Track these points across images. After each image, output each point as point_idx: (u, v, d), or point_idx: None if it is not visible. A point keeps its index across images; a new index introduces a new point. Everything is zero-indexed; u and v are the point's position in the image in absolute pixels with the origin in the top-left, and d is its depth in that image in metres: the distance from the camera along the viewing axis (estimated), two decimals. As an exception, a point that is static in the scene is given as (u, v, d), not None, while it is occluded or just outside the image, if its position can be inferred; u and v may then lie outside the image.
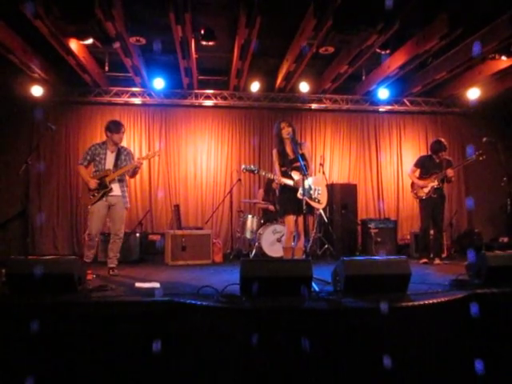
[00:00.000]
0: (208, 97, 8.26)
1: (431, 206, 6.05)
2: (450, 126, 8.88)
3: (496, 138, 6.01)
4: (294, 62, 6.68)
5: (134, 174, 5.14)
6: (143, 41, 6.31)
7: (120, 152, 5.05)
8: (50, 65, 7.15)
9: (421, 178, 6.21)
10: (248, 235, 7.03)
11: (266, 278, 3.12)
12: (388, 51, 6.38)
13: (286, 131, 4.46)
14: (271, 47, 6.79)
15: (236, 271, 3.27)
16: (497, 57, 6.36)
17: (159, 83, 7.65)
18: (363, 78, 7.90)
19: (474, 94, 7.83)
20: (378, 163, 8.75)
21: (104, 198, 4.87)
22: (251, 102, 8.38)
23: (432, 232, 6.19)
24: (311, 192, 4.45)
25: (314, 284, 3.44)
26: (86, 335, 2.76)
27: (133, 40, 6.17)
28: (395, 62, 6.75)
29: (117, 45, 5.90)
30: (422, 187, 6.10)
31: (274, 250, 6.58)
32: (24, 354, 2.69)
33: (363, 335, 2.80)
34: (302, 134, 8.51)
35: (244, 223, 7.12)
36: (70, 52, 6.16)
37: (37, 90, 7.36)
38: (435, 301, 2.97)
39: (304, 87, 7.93)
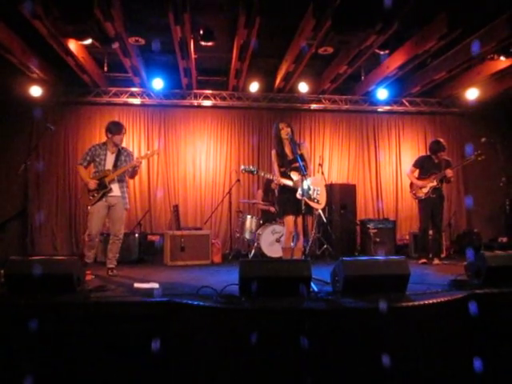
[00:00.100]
0: (207, 97, 8.26)
1: (430, 207, 6.06)
2: (448, 126, 8.89)
3: (495, 139, 6.03)
4: (293, 62, 6.69)
5: (133, 174, 5.13)
6: (142, 41, 6.31)
7: (120, 153, 5.05)
8: (48, 65, 7.14)
9: (420, 178, 6.22)
10: (247, 235, 7.03)
11: (265, 278, 3.12)
12: (387, 51, 6.38)
13: (285, 132, 4.46)
14: (270, 47, 6.78)
15: (235, 271, 3.26)
16: (496, 57, 6.37)
17: (158, 83, 7.64)
18: (362, 78, 7.90)
19: (472, 94, 7.84)
20: (376, 163, 8.76)
21: (104, 199, 4.87)
22: (250, 103, 8.38)
23: (431, 232, 6.20)
24: (310, 192, 4.45)
25: (313, 284, 3.44)
26: (85, 336, 2.76)
27: (132, 40, 6.16)
28: (394, 62, 6.76)
29: (116, 45, 5.90)
30: (421, 187, 6.10)
31: (273, 250, 6.58)
32: (23, 355, 2.68)
33: (362, 335, 2.80)
34: (301, 134, 8.51)
35: (243, 223, 7.12)
36: (68, 52, 6.16)
37: (36, 91, 7.35)
38: (434, 301, 2.97)
39: (303, 87, 7.94)
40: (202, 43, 6.13)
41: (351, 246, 7.56)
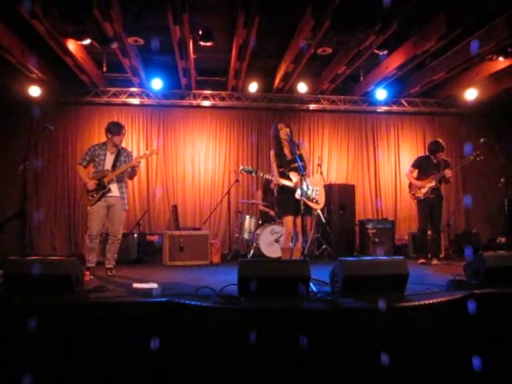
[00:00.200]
0: (206, 97, 8.26)
1: (429, 207, 6.06)
2: (447, 126, 8.90)
3: (493, 139, 6.05)
4: (292, 62, 6.69)
5: (132, 175, 5.11)
6: (141, 41, 6.29)
7: (120, 153, 5.04)
8: (47, 65, 7.14)
9: (418, 178, 6.22)
10: (246, 236, 7.03)
11: (264, 278, 3.12)
12: (386, 52, 6.38)
13: (284, 132, 4.46)
14: (269, 48, 6.79)
15: (234, 272, 3.26)
16: (494, 58, 6.38)
17: (157, 83, 7.64)
18: (361, 78, 7.90)
19: (471, 94, 7.84)
20: (375, 164, 8.77)
21: (102, 199, 4.86)
22: (249, 103, 8.38)
23: (430, 232, 6.21)
24: (309, 192, 4.45)
25: (311, 284, 3.44)
26: (83, 336, 2.75)
27: (131, 40, 6.16)
28: (393, 62, 6.76)
29: (115, 45, 5.90)
30: (420, 188, 6.11)
31: (272, 250, 6.58)
32: (21, 356, 2.68)
33: (361, 335, 2.80)
34: (300, 134, 8.51)
35: (242, 224, 7.12)
36: (67, 52, 6.15)
37: (34, 91, 7.34)
38: (433, 301, 2.97)
39: (302, 88, 7.94)
40: (201, 43, 6.12)
41: (350, 246, 7.57)
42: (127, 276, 4.89)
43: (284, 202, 4.45)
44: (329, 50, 6.58)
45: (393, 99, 8.49)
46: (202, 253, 6.48)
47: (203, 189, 8.32)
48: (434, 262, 6.00)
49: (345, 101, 8.54)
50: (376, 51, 6.30)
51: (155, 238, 7.27)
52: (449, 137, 8.64)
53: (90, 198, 4.85)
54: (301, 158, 4.36)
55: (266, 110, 8.54)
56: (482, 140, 5.97)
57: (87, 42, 5.65)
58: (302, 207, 4.09)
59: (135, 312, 2.87)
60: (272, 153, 4.58)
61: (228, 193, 7.48)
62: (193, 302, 2.92)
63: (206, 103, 8.29)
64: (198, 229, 7.24)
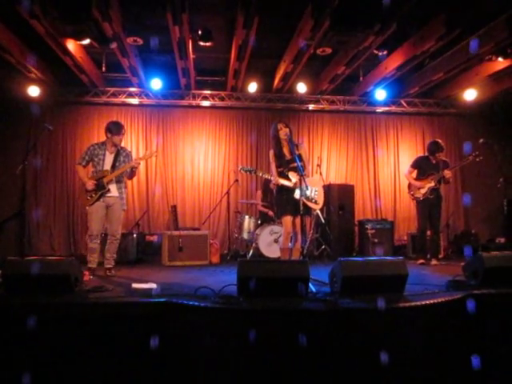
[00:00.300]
0: (205, 97, 8.25)
1: (428, 207, 6.07)
2: (446, 126, 8.91)
3: (492, 139, 6.03)
4: (291, 62, 6.68)
5: (131, 175, 5.11)
6: (140, 41, 6.30)
7: (119, 153, 5.03)
8: (46, 65, 7.13)
9: (418, 178, 6.23)
10: (245, 236, 7.02)
11: (263, 278, 3.12)
12: (385, 52, 6.39)
13: (284, 132, 4.46)
14: (269, 48, 6.78)
15: (233, 272, 3.27)
16: (493, 58, 6.38)
17: (156, 83, 7.63)
18: (360, 79, 7.90)
19: (470, 95, 7.85)
20: (375, 164, 8.77)
21: (101, 199, 4.86)
22: (249, 103, 8.38)
23: (429, 233, 6.21)
24: (308, 192, 4.45)
25: (311, 285, 3.44)
26: (82, 336, 2.75)
27: (130, 40, 6.16)
28: (392, 62, 6.77)
29: (114, 45, 5.89)
30: (419, 188, 6.11)
31: (271, 250, 6.58)
32: (20, 356, 2.68)
33: (360, 336, 2.80)
34: (299, 134, 8.51)
35: (241, 224, 7.12)
36: (67, 52, 6.14)
37: (34, 90, 7.33)
38: (432, 301, 2.98)
39: (301, 88, 7.94)
40: (201, 43, 6.12)
41: (349, 247, 7.56)
42: (126, 276, 4.89)
43: (283, 202, 4.45)
44: (328, 50, 6.58)
45: (392, 99, 8.48)
46: (202, 253, 6.48)
47: (202, 189, 8.32)
48: (433, 262, 6.00)
49: (344, 101, 8.54)
50: (375, 51, 6.30)
51: (154, 238, 7.28)
52: (448, 137, 8.65)
53: (89, 197, 4.84)
54: (300, 158, 4.37)
55: (265, 110, 8.54)
56: (481, 140, 5.96)
57: (86, 41, 5.64)
58: (301, 207, 4.08)
59: (134, 312, 2.87)
60: (271, 153, 4.58)
61: (227, 193, 7.48)
62: (192, 302, 2.92)
63: (206, 103, 8.29)
64: (198, 229, 7.24)
